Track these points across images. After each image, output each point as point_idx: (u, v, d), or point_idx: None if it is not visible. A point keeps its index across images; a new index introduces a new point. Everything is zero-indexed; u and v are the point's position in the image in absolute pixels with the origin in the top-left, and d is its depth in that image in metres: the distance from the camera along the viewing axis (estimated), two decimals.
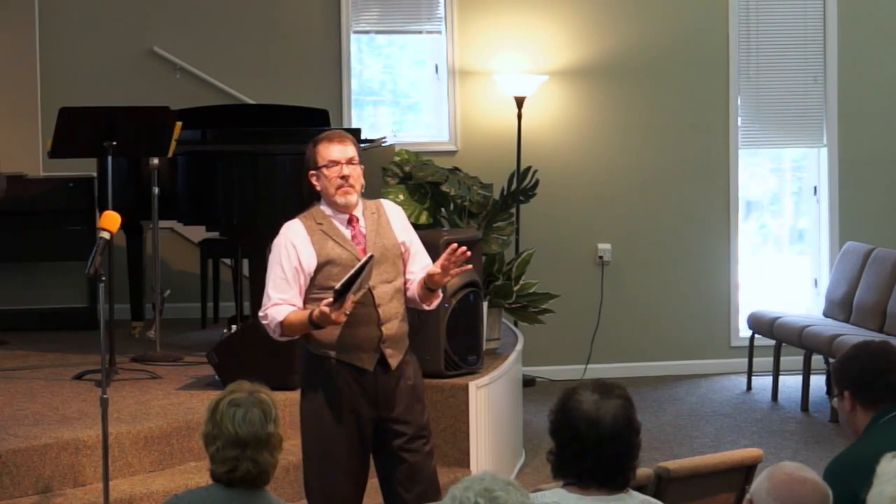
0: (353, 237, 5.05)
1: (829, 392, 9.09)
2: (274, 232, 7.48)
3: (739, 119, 10.14)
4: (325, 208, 5.09)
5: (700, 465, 4.75)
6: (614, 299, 9.97)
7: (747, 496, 3.30)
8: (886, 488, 3.12)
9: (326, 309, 4.80)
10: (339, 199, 5.05)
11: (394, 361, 5.06)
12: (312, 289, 5.01)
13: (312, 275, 5.00)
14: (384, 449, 5.08)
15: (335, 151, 5.05)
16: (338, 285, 4.78)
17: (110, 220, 5.59)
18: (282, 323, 4.97)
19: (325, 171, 5.03)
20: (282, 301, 4.98)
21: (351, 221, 5.07)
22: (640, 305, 10.04)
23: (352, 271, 4.80)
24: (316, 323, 4.88)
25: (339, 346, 5.01)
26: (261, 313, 5.02)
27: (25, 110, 9.20)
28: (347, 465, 5.03)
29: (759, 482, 3.29)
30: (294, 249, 5.01)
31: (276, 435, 3.81)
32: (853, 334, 8.68)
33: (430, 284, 5.03)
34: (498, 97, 9.76)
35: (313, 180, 5.06)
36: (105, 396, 5.30)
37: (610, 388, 3.54)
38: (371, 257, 4.89)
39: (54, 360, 7.58)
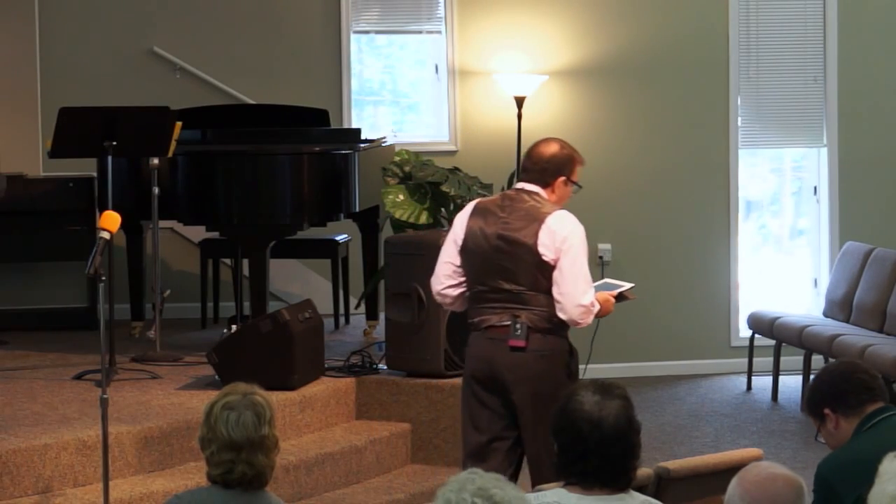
0: None
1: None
2: (274, 232, 7.56)
3: (739, 119, 10.13)
4: None
5: (700, 465, 4.75)
6: None
7: None
8: (888, 487, 3.12)
9: (613, 300, 5.42)
10: None
11: None
12: None
13: None
14: None
15: None
16: (626, 291, 5.56)
17: (110, 220, 5.60)
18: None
19: (571, 186, 5.37)
20: None
21: None
22: (640, 305, 9.99)
23: (625, 287, 5.58)
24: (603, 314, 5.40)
25: None
26: (591, 301, 5.23)
27: (25, 110, 9.18)
28: None
29: (730, 490, 3.27)
30: None
31: (270, 437, 3.80)
32: (853, 334, 8.68)
33: None
34: (498, 97, 9.75)
35: (560, 184, 5.33)
36: (105, 396, 5.31)
37: (609, 388, 3.54)
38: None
39: (54, 360, 7.57)
